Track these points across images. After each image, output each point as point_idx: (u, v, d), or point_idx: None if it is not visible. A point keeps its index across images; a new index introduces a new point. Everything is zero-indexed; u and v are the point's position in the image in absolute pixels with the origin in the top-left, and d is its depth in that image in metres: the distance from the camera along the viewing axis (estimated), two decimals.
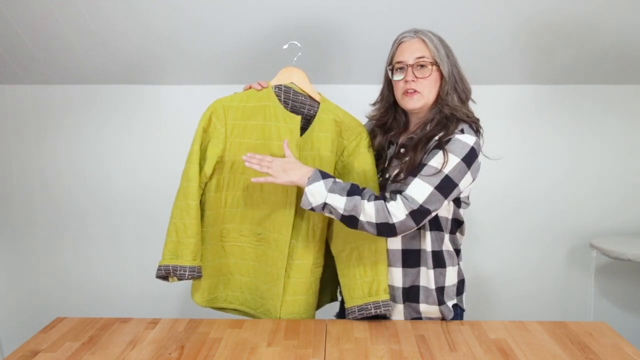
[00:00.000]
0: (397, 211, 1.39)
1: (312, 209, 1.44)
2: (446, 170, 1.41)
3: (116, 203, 2.55)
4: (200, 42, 2.22)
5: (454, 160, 1.42)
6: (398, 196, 1.40)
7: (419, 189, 1.40)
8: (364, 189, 1.44)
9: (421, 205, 1.39)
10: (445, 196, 1.42)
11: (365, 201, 1.40)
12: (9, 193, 2.56)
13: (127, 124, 2.51)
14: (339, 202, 1.40)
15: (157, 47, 2.25)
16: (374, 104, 1.65)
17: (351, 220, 1.42)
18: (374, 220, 1.40)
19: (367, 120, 1.69)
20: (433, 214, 1.43)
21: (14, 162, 2.54)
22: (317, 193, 1.41)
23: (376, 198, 1.41)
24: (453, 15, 2.06)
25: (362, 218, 1.40)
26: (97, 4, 2.04)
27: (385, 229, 1.41)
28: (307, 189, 1.42)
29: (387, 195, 1.48)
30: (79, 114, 2.50)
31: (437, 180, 1.40)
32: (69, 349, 1.36)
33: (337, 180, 1.44)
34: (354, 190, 1.42)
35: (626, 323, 2.57)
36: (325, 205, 1.42)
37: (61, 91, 2.49)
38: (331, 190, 1.41)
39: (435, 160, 1.42)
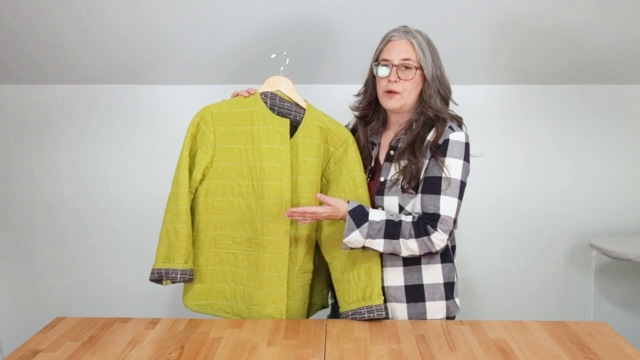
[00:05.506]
0: (440, 241, 1.46)
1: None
2: (459, 177, 1.47)
3: (116, 202, 2.55)
4: (199, 43, 2.22)
5: (459, 163, 1.47)
6: (438, 228, 1.44)
7: (449, 205, 1.46)
8: (400, 223, 1.46)
9: (455, 220, 1.48)
10: (462, 199, 1.50)
11: (407, 240, 1.45)
12: (9, 193, 2.56)
13: (127, 123, 2.50)
14: (378, 246, 1.47)
15: (157, 48, 2.25)
16: (357, 95, 1.66)
17: (392, 254, 1.51)
18: (417, 253, 1.47)
19: (351, 118, 1.71)
20: None
21: (14, 161, 2.54)
22: (355, 242, 1.47)
23: (417, 230, 1.45)
24: (445, 13, 2.06)
25: (404, 254, 1.48)
26: (97, 4, 2.04)
27: (427, 254, 1.50)
28: (345, 241, 1.47)
29: (417, 216, 1.49)
30: (79, 114, 2.50)
31: (457, 189, 1.47)
32: (69, 349, 1.36)
33: (372, 219, 1.46)
34: (391, 231, 1.46)
35: (626, 323, 2.57)
36: (364, 247, 1.49)
37: (61, 91, 2.49)
38: (368, 236, 1.46)
39: (445, 171, 1.47)
